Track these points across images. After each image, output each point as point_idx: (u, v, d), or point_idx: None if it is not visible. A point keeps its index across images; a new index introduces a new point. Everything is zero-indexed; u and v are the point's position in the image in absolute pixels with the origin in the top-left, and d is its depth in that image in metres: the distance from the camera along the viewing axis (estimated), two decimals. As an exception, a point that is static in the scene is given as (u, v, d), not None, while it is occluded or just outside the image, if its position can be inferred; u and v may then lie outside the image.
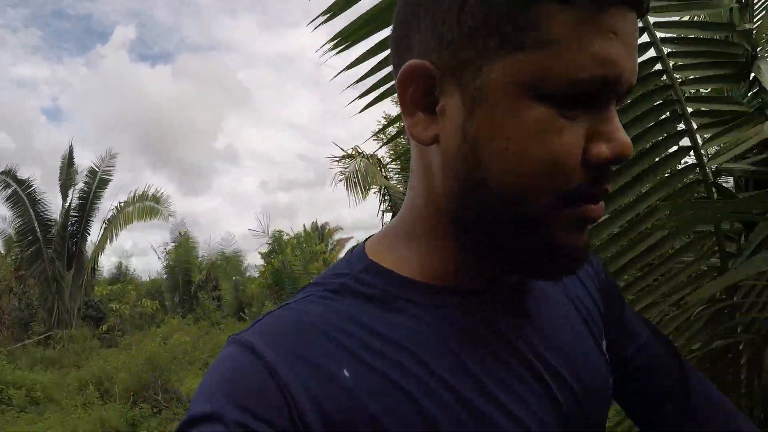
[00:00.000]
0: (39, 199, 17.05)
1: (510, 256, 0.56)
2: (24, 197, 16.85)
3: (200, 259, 21.57)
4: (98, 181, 17.12)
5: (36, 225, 16.84)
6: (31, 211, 16.86)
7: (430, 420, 0.52)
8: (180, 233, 20.92)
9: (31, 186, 17.01)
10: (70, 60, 68.15)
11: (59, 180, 17.15)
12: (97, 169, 17.22)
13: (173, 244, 21.15)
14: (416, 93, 0.54)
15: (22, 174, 16.87)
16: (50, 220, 17.10)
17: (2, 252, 18.73)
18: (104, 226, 17.25)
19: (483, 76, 0.50)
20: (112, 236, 17.08)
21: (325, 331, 0.54)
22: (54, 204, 17.44)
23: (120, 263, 24.00)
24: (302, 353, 0.52)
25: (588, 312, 0.71)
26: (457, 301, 0.59)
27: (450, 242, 0.59)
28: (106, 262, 24.87)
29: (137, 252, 43.23)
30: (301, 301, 0.58)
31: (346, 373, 0.52)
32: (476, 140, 0.51)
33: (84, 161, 29.65)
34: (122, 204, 17.24)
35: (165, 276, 21.22)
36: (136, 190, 17.65)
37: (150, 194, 17.51)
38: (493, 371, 0.57)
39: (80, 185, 17.15)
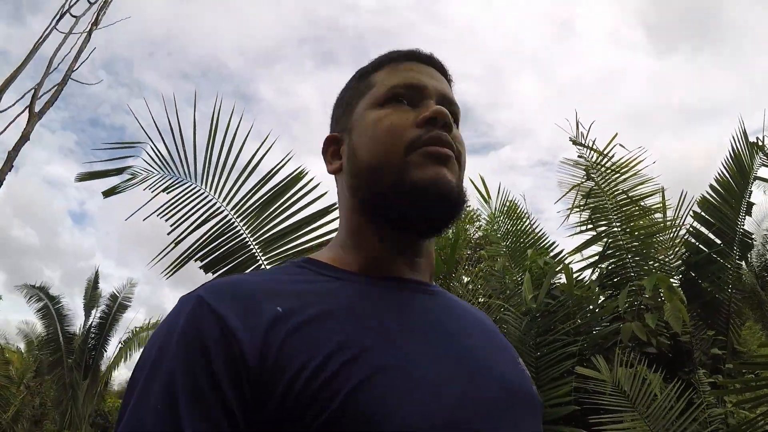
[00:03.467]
0: (65, 315, 20.16)
1: (398, 209, 0.81)
2: (53, 311, 19.96)
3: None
4: (117, 306, 20.31)
5: (60, 336, 19.79)
6: (58, 324, 19.85)
7: (341, 340, 0.67)
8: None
9: (60, 303, 20.14)
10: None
11: (83, 299, 20.35)
12: (117, 295, 20.40)
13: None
14: (330, 149, 0.93)
15: (54, 291, 20.06)
16: (73, 334, 20.10)
17: (24, 352, 21.77)
18: (120, 346, 20.36)
19: (351, 117, 0.89)
20: (126, 356, 20.20)
21: (263, 286, 0.72)
22: (77, 316, 20.56)
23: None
24: (241, 297, 0.69)
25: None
26: (375, 282, 0.81)
27: (368, 238, 0.85)
28: (118, 376, 27.07)
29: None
30: (246, 274, 0.79)
31: (279, 309, 0.68)
32: (353, 147, 0.86)
33: (104, 269, 30.89)
34: (137, 329, 20.43)
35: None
36: (150, 319, 20.87)
37: (162, 323, 20.66)
38: (400, 326, 0.75)
39: (102, 307, 20.29)
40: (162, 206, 4.21)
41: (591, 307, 4.68)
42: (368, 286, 0.80)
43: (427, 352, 0.73)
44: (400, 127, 0.82)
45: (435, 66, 0.94)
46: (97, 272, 20.61)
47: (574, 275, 5.37)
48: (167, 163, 4.28)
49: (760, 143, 5.26)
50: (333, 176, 0.94)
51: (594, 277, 5.35)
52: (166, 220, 4.17)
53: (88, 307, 20.26)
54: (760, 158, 5.28)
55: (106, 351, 20.35)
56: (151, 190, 4.19)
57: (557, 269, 4.86)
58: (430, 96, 0.86)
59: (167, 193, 4.23)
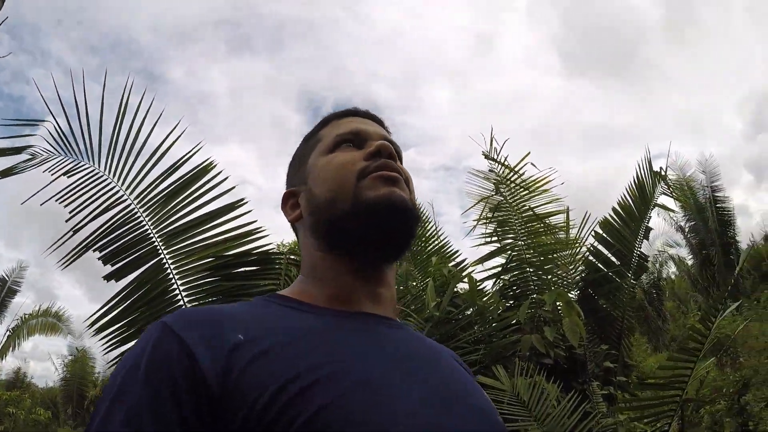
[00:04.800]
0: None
1: (356, 233, 0.84)
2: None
3: (96, 375, 22.57)
4: (6, 290, 19.04)
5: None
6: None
7: (302, 367, 0.68)
8: (77, 349, 22.05)
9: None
10: (-6, 138, 65.06)
11: (-30, 284, 18.96)
12: (7, 278, 19.14)
13: (71, 357, 22.27)
14: (289, 202, 0.99)
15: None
16: (-43, 320, 18.76)
17: None
18: (8, 333, 19.06)
19: (305, 169, 0.97)
20: (15, 345, 18.93)
21: (228, 315, 0.75)
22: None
23: (18, 369, 24.62)
24: (205, 324, 0.72)
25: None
26: (339, 314, 0.83)
27: (330, 272, 0.87)
28: (5, 366, 25.36)
29: (38, 356, 41.74)
30: (214, 305, 0.88)
31: (241, 337, 0.70)
32: (309, 191, 0.93)
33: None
34: (26, 315, 19.15)
35: (60, 387, 22.16)
36: (41, 306, 19.59)
37: (53, 311, 19.49)
38: (363, 353, 0.76)
39: (-11, 291, 18.96)
40: (61, 191, 3.97)
41: (492, 317, 4.75)
42: (332, 317, 0.82)
43: (393, 377, 0.75)
44: (350, 162, 0.89)
45: (374, 119, 1.03)
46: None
47: (478, 284, 5.49)
48: (69, 145, 3.98)
49: (663, 173, 5.58)
50: (293, 227, 1.00)
51: (496, 288, 5.48)
52: (66, 206, 3.93)
53: (-26, 292, 18.86)
54: (662, 187, 5.60)
55: (-7, 337, 19.05)
56: (51, 172, 3.93)
57: (461, 277, 4.94)
58: (373, 138, 0.94)
59: (68, 177, 3.99)
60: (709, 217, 20.45)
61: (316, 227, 0.90)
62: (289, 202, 0.99)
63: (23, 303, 23.77)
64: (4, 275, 19.14)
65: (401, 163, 0.97)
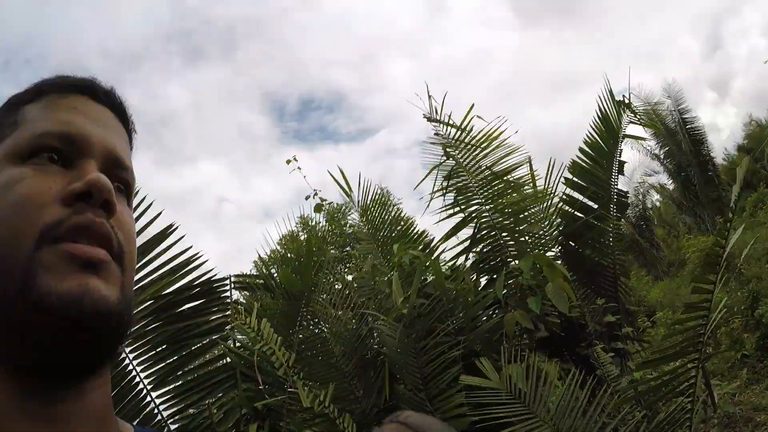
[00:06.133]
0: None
1: (22, 339, 0.53)
2: None
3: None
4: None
5: None
6: None
7: None
8: None
9: None
10: None
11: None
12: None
13: None
14: None
15: None
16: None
17: None
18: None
19: None
20: None
21: None
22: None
23: None
24: None
25: None
26: None
27: None
28: None
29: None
30: None
31: None
32: None
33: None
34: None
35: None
36: None
37: None
38: None
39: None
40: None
41: (470, 299, 4.16)
42: None
43: None
44: (37, 201, 0.56)
45: (113, 107, 0.69)
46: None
47: (449, 263, 4.90)
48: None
49: (627, 101, 5.05)
50: None
51: (469, 263, 4.86)
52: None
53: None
54: (628, 116, 5.07)
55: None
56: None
57: (427, 264, 4.32)
58: (92, 154, 0.62)
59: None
60: (681, 140, 20.82)
61: None
62: None
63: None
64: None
65: (129, 203, 0.68)
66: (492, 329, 4.08)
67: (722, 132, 46.32)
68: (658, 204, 28.73)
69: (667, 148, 21.35)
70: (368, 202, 5.47)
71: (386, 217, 5.44)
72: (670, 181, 23.38)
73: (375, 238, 5.41)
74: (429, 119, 4.77)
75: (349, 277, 5.89)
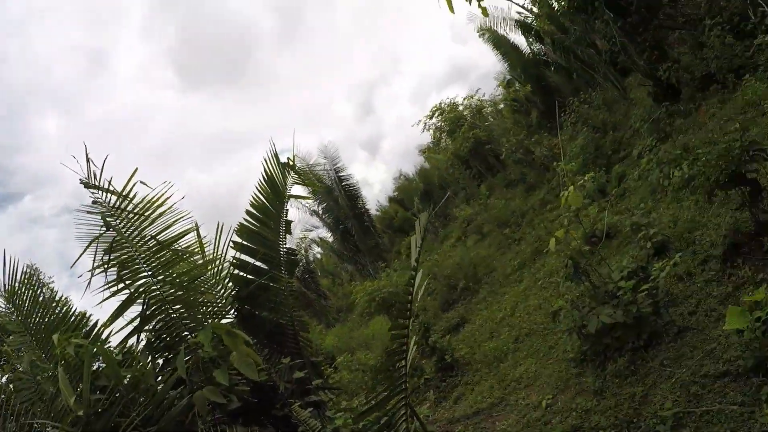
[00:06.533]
0: None
1: None
2: None
3: None
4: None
5: None
6: None
7: None
8: None
9: None
10: None
11: None
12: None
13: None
14: None
15: None
16: None
17: None
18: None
19: None
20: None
21: None
22: None
23: None
24: None
25: None
26: None
27: None
28: None
29: None
30: None
31: None
32: None
33: None
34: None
35: None
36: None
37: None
38: None
39: None
40: None
41: (151, 384, 3.78)
42: None
43: None
44: None
45: None
46: None
47: (119, 347, 4.40)
48: None
49: (291, 162, 5.22)
50: None
51: (142, 344, 4.42)
52: None
53: None
54: (292, 177, 5.24)
55: None
56: None
57: (95, 351, 3.80)
58: None
59: None
60: (338, 196, 22.74)
61: None
62: None
63: None
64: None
65: None
66: (183, 411, 3.74)
67: (374, 186, 52.66)
68: (320, 256, 30.87)
69: (325, 204, 23.11)
70: (16, 285, 4.62)
71: (38, 300, 4.69)
72: (330, 234, 25.35)
73: (27, 326, 4.60)
74: (86, 185, 4.26)
75: (3, 379, 4.85)
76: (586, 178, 9.73)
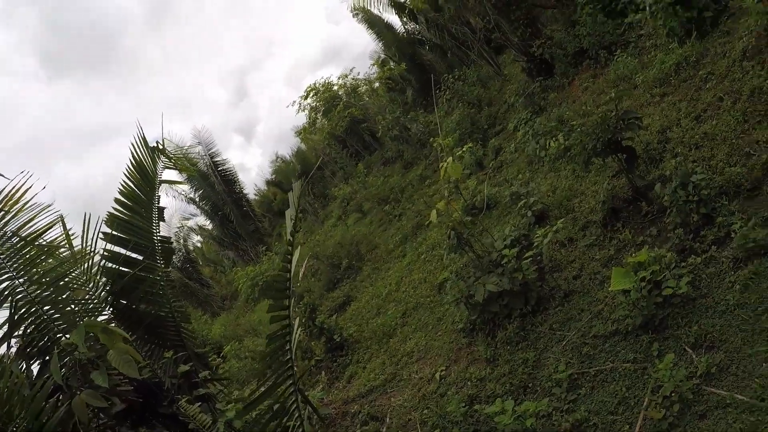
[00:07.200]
0: None
1: None
2: None
3: None
4: None
5: None
6: None
7: None
8: None
9: None
10: None
11: None
12: None
13: None
14: None
15: None
16: None
17: None
18: None
19: None
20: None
21: None
22: None
23: None
24: None
25: None
26: None
27: None
28: None
29: None
30: None
31: None
32: None
33: None
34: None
35: None
36: None
37: None
38: None
39: None
40: None
41: (25, 394, 3.44)
42: None
43: None
44: None
45: None
46: None
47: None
48: None
49: (161, 147, 4.93)
50: None
51: (13, 351, 4.02)
52: None
53: None
54: (163, 162, 4.95)
55: None
56: None
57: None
58: None
59: None
60: (215, 182, 22.23)
61: None
62: None
63: None
64: None
65: None
66: (62, 421, 3.45)
67: (251, 171, 51.32)
68: (200, 245, 29.84)
69: (202, 191, 22.38)
70: None
71: None
72: (209, 222, 24.58)
73: None
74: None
75: None
76: (464, 149, 10.00)
